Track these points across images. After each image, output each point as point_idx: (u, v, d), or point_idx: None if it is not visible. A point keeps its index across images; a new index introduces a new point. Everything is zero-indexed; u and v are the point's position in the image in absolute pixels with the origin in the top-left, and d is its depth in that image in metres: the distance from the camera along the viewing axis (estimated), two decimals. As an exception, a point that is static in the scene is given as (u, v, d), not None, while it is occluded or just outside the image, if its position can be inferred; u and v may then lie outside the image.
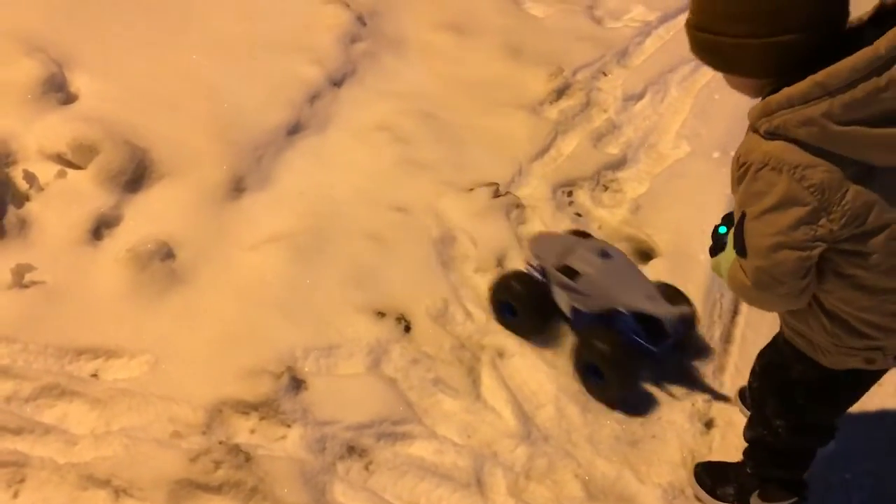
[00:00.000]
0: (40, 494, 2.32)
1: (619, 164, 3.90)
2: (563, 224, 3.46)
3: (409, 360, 2.80)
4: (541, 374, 2.83)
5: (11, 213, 3.04)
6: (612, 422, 2.73)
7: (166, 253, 2.98)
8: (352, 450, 2.52)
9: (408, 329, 2.91)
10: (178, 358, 2.68)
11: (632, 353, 2.74)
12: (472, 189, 3.55)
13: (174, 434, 2.45)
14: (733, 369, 2.92)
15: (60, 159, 3.27)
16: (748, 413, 2.50)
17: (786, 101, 1.60)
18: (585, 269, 2.81)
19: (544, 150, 3.91)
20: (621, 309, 2.75)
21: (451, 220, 3.40)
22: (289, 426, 2.53)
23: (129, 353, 2.71)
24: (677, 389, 2.83)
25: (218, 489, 2.31)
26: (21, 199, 3.12)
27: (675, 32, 4.75)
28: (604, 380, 2.72)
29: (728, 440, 2.67)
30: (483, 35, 4.61)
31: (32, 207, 3.12)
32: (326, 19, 4.38)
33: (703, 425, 2.74)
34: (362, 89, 4.12)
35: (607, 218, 3.59)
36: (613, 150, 4.00)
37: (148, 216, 3.16)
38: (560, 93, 4.27)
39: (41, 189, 3.18)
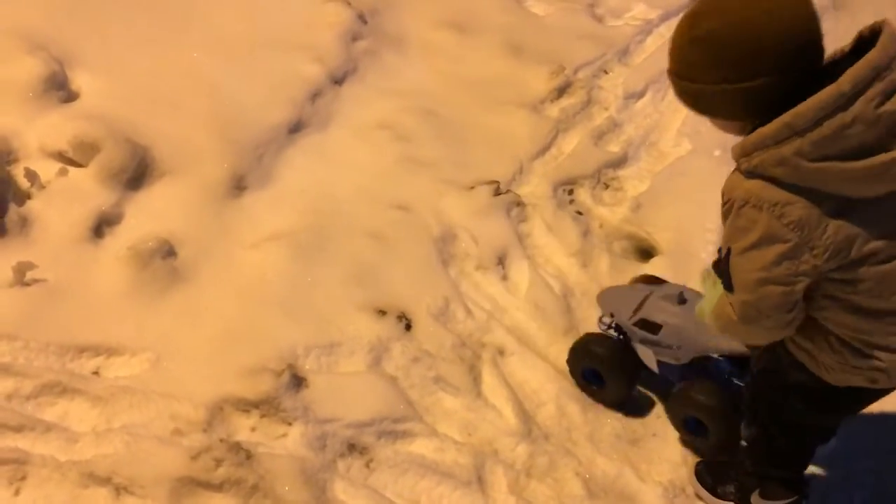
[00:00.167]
0: (41, 492, 2.32)
1: (620, 162, 3.91)
2: (564, 222, 3.46)
3: (410, 358, 2.80)
4: (541, 373, 2.83)
5: (13, 210, 3.03)
6: (612, 420, 2.73)
7: (167, 251, 2.98)
8: (352, 447, 2.52)
9: (409, 327, 2.91)
10: (180, 355, 2.68)
11: (733, 400, 2.48)
12: (473, 187, 3.55)
13: (175, 432, 2.45)
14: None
15: (62, 157, 3.27)
16: (704, 493, 2.50)
17: (760, 142, 1.65)
18: (666, 319, 2.59)
19: (545, 149, 3.91)
20: (713, 354, 2.57)
21: (452, 218, 3.40)
22: (290, 424, 2.53)
23: (130, 350, 2.71)
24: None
25: (219, 487, 2.31)
26: (22, 197, 3.12)
27: (677, 30, 4.73)
28: (707, 433, 2.56)
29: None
30: (484, 33, 4.62)
31: (34, 205, 3.12)
32: (327, 17, 4.38)
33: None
34: (363, 87, 4.12)
35: (608, 216, 3.59)
36: (614, 148, 4.00)
37: (149, 214, 3.16)
38: (561, 91, 4.28)
39: (42, 187, 3.18)
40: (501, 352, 2.91)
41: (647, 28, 4.91)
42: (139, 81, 3.68)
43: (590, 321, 3.06)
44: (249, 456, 2.37)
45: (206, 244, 3.09)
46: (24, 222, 3.04)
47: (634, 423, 2.72)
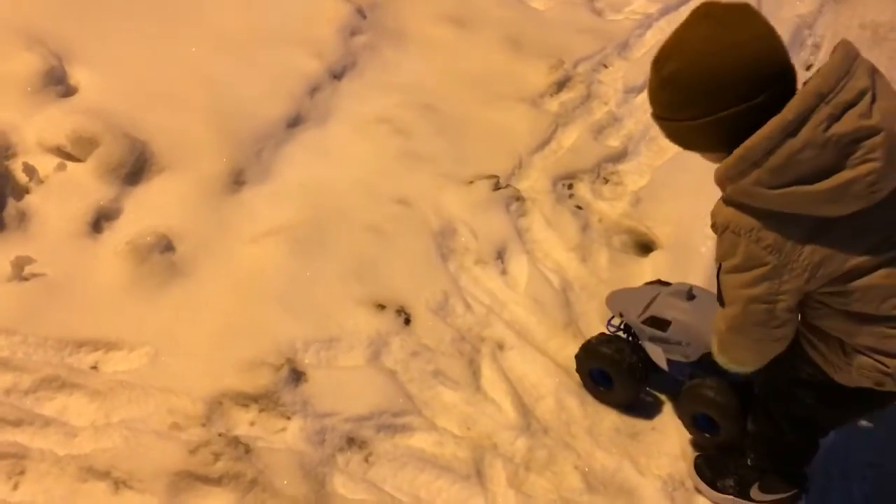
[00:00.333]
0: (40, 486, 2.32)
1: (620, 156, 3.90)
2: (563, 216, 3.46)
3: (409, 352, 2.80)
4: (541, 367, 2.83)
5: (11, 205, 3.04)
6: (612, 414, 2.72)
7: (166, 245, 2.98)
8: (351, 441, 2.52)
9: (408, 321, 2.91)
10: (178, 350, 2.68)
11: (741, 394, 2.47)
12: (472, 182, 3.55)
13: (174, 426, 2.45)
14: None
15: (60, 152, 3.27)
16: (703, 486, 2.49)
17: (724, 175, 1.75)
18: (675, 315, 2.59)
19: (545, 143, 3.91)
20: None
21: (452, 212, 3.39)
22: (288, 418, 2.53)
23: (128, 345, 2.71)
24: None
25: (217, 481, 2.31)
26: (21, 192, 3.12)
27: (676, 25, 4.72)
28: (717, 430, 2.53)
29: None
30: (483, 27, 4.61)
31: (32, 200, 3.12)
32: (326, 12, 4.38)
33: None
34: (362, 82, 4.11)
35: (608, 211, 3.58)
36: (614, 142, 3.99)
37: (148, 209, 3.16)
38: (561, 85, 4.27)
39: (41, 182, 3.18)
40: (501, 346, 2.91)
41: (647, 22, 4.90)
42: (138, 76, 3.68)
43: (589, 316, 3.07)
44: (248, 450, 2.38)
45: (205, 239, 3.08)
46: (23, 217, 3.04)
47: (634, 417, 2.72)
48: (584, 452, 2.59)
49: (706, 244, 3.21)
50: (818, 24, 5.22)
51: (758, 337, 1.95)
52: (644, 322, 2.66)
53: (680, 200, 3.50)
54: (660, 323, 2.62)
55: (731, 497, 2.45)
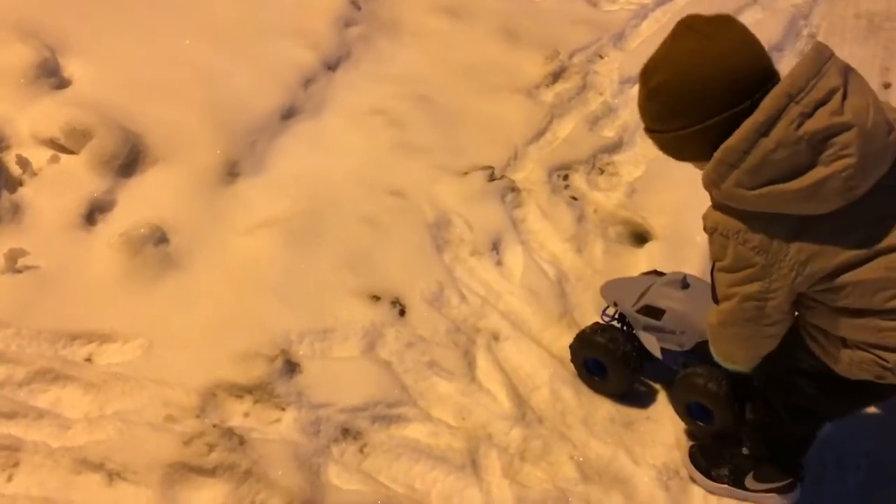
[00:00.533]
0: (34, 478, 2.31)
1: (615, 147, 3.90)
2: (558, 207, 3.45)
3: (404, 343, 2.80)
4: (535, 357, 2.83)
5: (4, 198, 3.03)
6: (606, 404, 2.72)
7: (160, 237, 2.97)
8: (346, 432, 2.52)
9: (403, 313, 2.91)
10: (172, 342, 2.67)
11: (735, 383, 2.46)
12: (467, 173, 3.55)
13: (168, 418, 2.44)
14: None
15: (53, 144, 3.26)
16: (698, 475, 2.50)
17: (708, 179, 1.80)
18: (669, 304, 2.60)
19: (540, 134, 3.90)
20: None
21: (447, 203, 3.39)
22: (283, 409, 2.53)
23: (122, 337, 2.71)
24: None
25: (212, 472, 2.30)
26: (14, 185, 3.12)
27: (672, 15, 4.73)
28: (711, 418, 2.54)
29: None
30: (478, 18, 4.60)
31: (25, 192, 3.12)
32: (320, 3, 4.38)
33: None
34: (357, 73, 4.11)
35: (603, 201, 3.58)
36: (609, 133, 3.99)
37: (141, 201, 3.15)
38: (556, 76, 4.27)
39: (34, 174, 3.17)
40: (496, 337, 2.91)
41: (643, 12, 4.90)
42: (131, 68, 3.67)
43: (584, 307, 3.06)
44: (242, 441, 2.37)
45: (199, 231, 3.08)
46: (16, 209, 3.03)
47: (628, 407, 2.72)
48: (579, 442, 2.59)
49: (701, 234, 3.16)
50: (814, 14, 5.22)
51: (748, 334, 2.01)
52: (638, 311, 2.66)
53: (675, 191, 3.50)
54: (654, 312, 2.63)
55: (725, 486, 2.46)
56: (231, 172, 3.35)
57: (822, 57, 1.71)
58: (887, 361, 1.87)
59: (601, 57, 4.50)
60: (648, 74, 1.85)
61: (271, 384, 2.56)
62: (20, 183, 3.13)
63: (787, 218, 1.77)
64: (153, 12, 4.05)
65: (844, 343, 1.93)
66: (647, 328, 2.65)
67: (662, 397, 2.74)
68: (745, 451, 2.44)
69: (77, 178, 3.16)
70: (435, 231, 3.25)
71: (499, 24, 4.56)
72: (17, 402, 2.49)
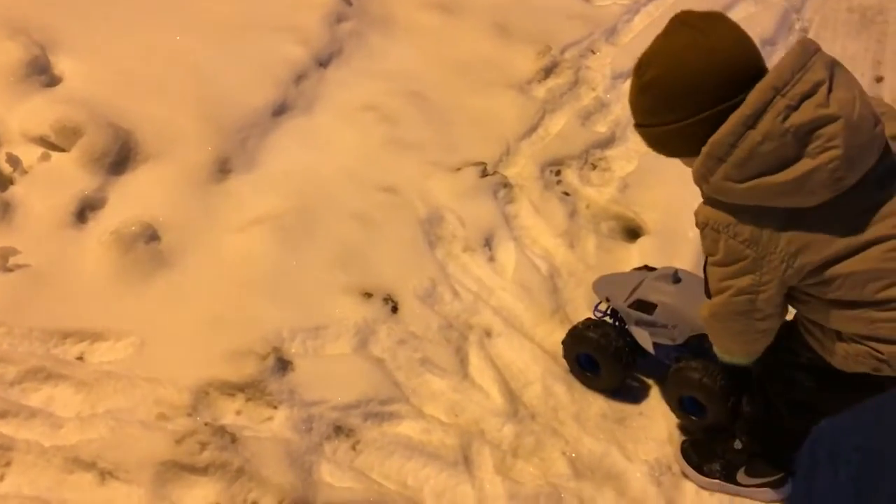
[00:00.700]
0: (26, 478, 2.31)
1: (608, 142, 3.90)
2: (551, 203, 3.45)
3: (397, 340, 2.79)
4: (528, 354, 2.83)
5: (-5, 196, 3.02)
6: (599, 399, 2.72)
7: (151, 235, 2.96)
8: (339, 430, 2.51)
9: (395, 309, 2.90)
10: (164, 340, 2.67)
11: (727, 376, 2.46)
12: (459, 169, 3.54)
13: (160, 416, 2.44)
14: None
15: (44, 142, 3.26)
16: (690, 471, 2.50)
17: (697, 173, 1.83)
18: (661, 298, 2.60)
19: (532, 129, 3.90)
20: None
21: (439, 199, 3.38)
22: (275, 407, 2.52)
23: (114, 335, 2.70)
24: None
25: (204, 470, 2.30)
26: (5, 183, 3.11)
27: (664, 10, 4.72)
28: (704, 412, 2.53)
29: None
30: (471, 14, 4.60)
31: (16, 191, 3.10)
32: (312, -1, 4.36)
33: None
34: (349, 69, 4.10)
35: (595, 196, 3.58)
36: (602, 128, 3.99)
37: (132, 198, 3.14)
38: (548, 71, 4.26)
39: (25, 172, 3.16)
40: (488, 333, 2.91)
41: (635, 7, 4.90)
42: (122, 65, 3.66)
43: (577, 302, 3.06)
44: (234, 439, 2.37)
45: (191, 228, 3.07)
46: (7, 208, 3.02)
47: (621, 403, 2.72)
48: (572, 438, 2.59)
49: (693, 229, 3.17)
50: (806, 8, 5.23)
51: (740, 328, 2.02)
52: (630, 306, 2.66)
53: (667, 186, 3.50)
54: (646, 306, 2.63)
55: (717, 481, 2.47)
56: (222, 169, 3.34)
57: (807, 51, 1.73)
58: (882, 353, 1.87)
59: (593, 52, 4.50)
60: (642, 69, 1.86)
61: (263, 382, 2.55)
62: (11, 181, 3.12)
63: (776, 211, 1.78)
64: (143, 9, 4.03)
65: (839, 336, 1.93)
66: (639, 323, 2.66)
67: (655, 393, 2.75)
68: (737, 445, 2.44)
69: (68, 175, 3.15)
70: (427, 227, 3.25)
71: (491, 19, 4.56)
72: (8, 401, 2.48)
